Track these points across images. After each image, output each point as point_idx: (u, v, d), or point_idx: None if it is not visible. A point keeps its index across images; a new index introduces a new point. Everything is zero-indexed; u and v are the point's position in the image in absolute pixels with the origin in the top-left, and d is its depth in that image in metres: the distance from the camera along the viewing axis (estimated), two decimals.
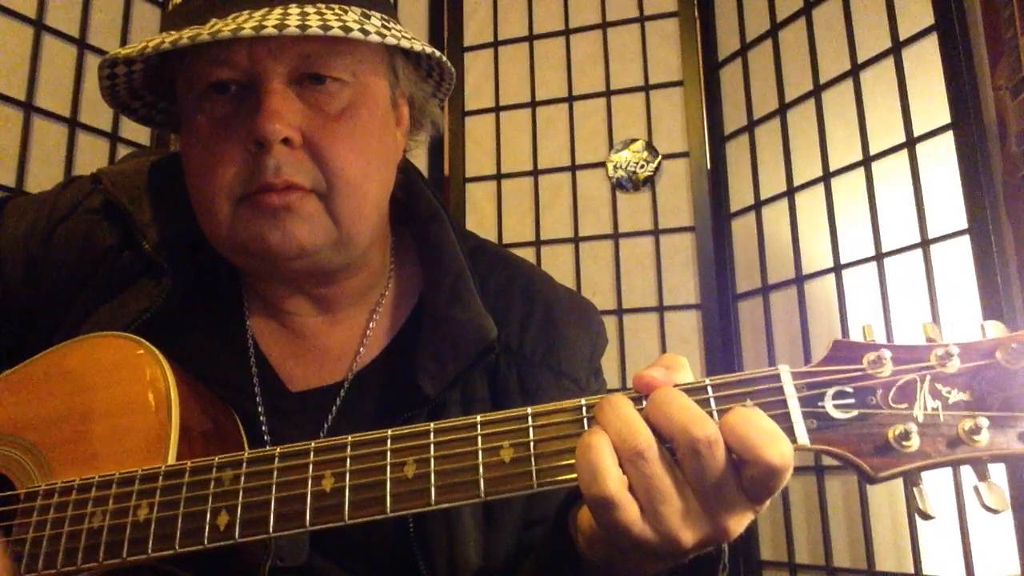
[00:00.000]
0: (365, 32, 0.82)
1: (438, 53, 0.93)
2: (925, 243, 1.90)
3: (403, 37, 0.87)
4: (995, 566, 1.69)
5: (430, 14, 2.82)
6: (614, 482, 0.61)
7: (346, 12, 0.84)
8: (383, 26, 0.86)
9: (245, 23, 0.79)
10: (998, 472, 0.62)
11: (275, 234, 0.85)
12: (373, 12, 0.88)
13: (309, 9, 0.83)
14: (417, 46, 0.89)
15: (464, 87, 2.78)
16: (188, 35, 0.80)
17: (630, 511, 0.62)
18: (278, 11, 0.82)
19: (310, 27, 0.79)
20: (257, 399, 0.94)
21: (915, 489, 0.62)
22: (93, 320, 0.93)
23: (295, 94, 0.86)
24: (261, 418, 0.93)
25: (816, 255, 2.19)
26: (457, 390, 0.93)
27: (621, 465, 0.62)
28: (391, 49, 0.94)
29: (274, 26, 0.78)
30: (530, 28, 2.77)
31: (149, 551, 0.71)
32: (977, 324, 0.65)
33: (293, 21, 0.79)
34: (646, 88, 2.62)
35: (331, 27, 0.80)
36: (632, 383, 0.67)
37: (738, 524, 0.64)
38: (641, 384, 0.66)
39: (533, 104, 2.72)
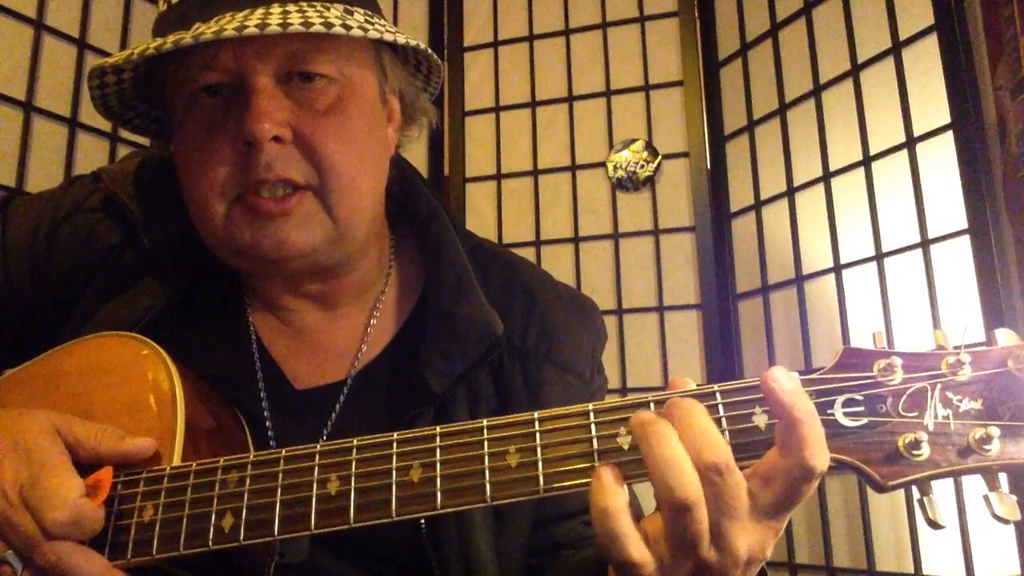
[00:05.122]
0: (347, 27, 0.82)
1: (423, 46, 0.93)
2: (925, 243, 1.90)
3: (386, 31, 0.87)
4: (995, 566, 1.69)
5: (430, 14, 2.82)
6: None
7: (328, 9, 0.85)
8: (366, 21, 0.86)
9: (227, 25, 0.79)
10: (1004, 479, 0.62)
11: (269, 240, 0.86)
12: (356, 8, 0.89)
13: (291, 8, 0.83)
14: (401, 39, 0.89)
15: (464, 87, 2.78)
16: (172, 40, 0.80)
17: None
18: (260, 11, 0.82)
19: (291, 25, 0.80)
20: (262, 397, 0.94)
21: (925, 499, 0.61)
22: (98, 318, 0.94)
23: (283, 92, 0.86)
24: (266, 415, 0.94)
25: (816, 255, 2.19)
26: (463, 387, 0.94)
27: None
28: (377, 44, 0.94)
29: (255, 26, 0.79)
30: (530, 28, 2.77)
31: (154, 552, 0.72)
32: (984, 329, 0.64)
33: (274, 20, 0.80)
34: (646, 88, 2.62)
35: (312, 24, 0.80)
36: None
37: (754, 546, 0.62)
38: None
39: (533, 104, 2.72)
